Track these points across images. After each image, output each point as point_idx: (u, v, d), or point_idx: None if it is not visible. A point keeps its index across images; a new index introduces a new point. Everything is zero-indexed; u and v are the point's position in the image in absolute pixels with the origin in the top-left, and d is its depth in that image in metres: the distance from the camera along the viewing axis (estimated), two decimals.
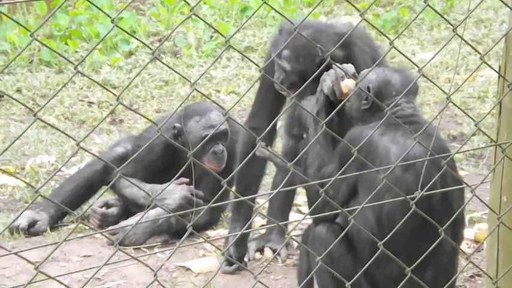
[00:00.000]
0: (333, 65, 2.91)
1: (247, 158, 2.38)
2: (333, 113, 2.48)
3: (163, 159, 4.03)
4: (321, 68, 2.47)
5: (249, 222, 3.43)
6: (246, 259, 3.66)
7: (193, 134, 3.93)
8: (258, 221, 4.06)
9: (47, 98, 5.76)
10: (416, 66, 2.48)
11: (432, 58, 2.66)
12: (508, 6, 2.58)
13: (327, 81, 2.97)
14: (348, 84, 2.97)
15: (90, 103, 5.78)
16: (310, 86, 2.91)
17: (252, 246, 3.75)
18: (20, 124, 5.39)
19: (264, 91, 3.49)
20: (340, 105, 2.55)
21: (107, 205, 4.09)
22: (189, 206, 3.87)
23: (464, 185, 2.80)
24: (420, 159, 2.72)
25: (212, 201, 2.20)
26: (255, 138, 2.27)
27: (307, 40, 3.04)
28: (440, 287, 2.83)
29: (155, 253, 3.73)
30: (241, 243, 3.59)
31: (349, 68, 3.00)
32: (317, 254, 2.58)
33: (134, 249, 3.81)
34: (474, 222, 4.04)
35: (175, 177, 2.35)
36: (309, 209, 2.93)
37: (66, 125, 5.38)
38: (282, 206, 3.81)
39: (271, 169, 3.97)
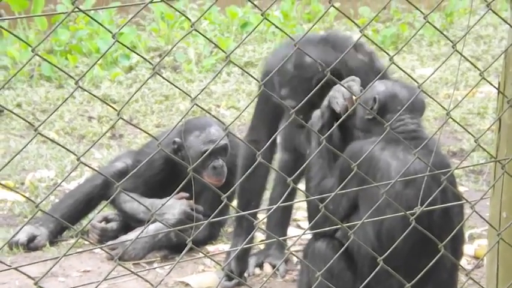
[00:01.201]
0: (352, 78, 2.92)
1: (247, 172, 2.38)
2: (333, 127, 2.48)
3: (163, 174, 4.03)
4: (321, 83, 2.47)
5: (249, 237, 3.42)
6: (245, 274, 3.65)
7: (193, 149, 3.93)
8: (258, 236, 4.06)
9: (47, 112, 5.76)
10: (416, 82, 2.49)
11: (432, 74, 2.67)
12: (507, 23, 2.59)
13: (339, 99, 2.95)
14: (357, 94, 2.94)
15: (90, 118, 5.79)
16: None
17: (251, 261, 3.74)
18: (20, 139, 5.39)
19: (263, 104, 3.50)
20: (340, 120, 2.56)
21: (107, 220, 4.08)
22: (189, 221, 3.86)
23: (464, 201, 2.80)
24: (421, 175, 2.72)
25: (212, 216, 2.20)
26: (255, 152, 2.28)
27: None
28: None
29: (154, 268, 3.72)
30: (243, 259, 3.59)
31: (357, 83, 2.98)
32: (317, 269, 2.57)
33: (133, 264, 3.80)
34: (474, 238, 4.03)
35: (175, 192, 2.35)
36: (309, 223, 2.93)
37: (66, 140, 5.38)
38: (280, 221, 3.81)
39: (271, 184, 3.97)
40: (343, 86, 2.73)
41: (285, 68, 3.22)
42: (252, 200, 3.52)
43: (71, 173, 2.13)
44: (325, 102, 2.98)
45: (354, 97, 2.92)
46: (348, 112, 2.83)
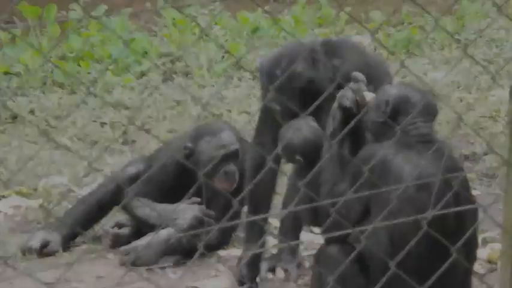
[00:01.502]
0: (353, 74, 2.92)
1: (256, 178, 2.38)
2: (345, 130, 2.47)
3: (175, 179, 4.04)
4: (333, 86, 2.47)
5: (260, 242, 3.42)
6: (257, 279, 3.65)
7: (205, 154, 3.94)
8: (270, 240, 4.05)
9: (60, 119, 5.79)
10: (428, 85, 2.48)
11: (443, 77, 2.66)
12: None
13: (348, 94, 2.95)
14: (368, 95, 2.94)
15: (102, 124, 5.81)
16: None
17: (263, 266, 3.74)
18: (33, 145, 5.41)
19: (267, 106, 3.49)
20: (354, 121, 2.55)
21: (119, 225, 4.09)
22: (201, 225, 3.87)
23: (477, 205, 2.79)
24: (434, 179, 2.71)
25: (223, 221, 2.20)
26: (262, 154, 2.29)
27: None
28: None
29: (167, 273, 3.73)
30: (254, 264, 3.58)
31: (364, 78, 2.97)
32: (329, 274, 2.57)
33: (146, 269, 3.80)
34: (487, 242, 4.02)
35: (186, 197, 2.36)
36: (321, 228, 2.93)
37: (78, 146, 5.40)
38: (293, 225, 3.80)
39: (282, 188, 3.97)
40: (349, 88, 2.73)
41: (273, 73, 3.23)
42: (261, 203, 3.52)
43: (83, 178, 2.14)
44: (335, 104, 2.97)
45: (370, 93, 2.90)
46: (363, 113, 2.82)
